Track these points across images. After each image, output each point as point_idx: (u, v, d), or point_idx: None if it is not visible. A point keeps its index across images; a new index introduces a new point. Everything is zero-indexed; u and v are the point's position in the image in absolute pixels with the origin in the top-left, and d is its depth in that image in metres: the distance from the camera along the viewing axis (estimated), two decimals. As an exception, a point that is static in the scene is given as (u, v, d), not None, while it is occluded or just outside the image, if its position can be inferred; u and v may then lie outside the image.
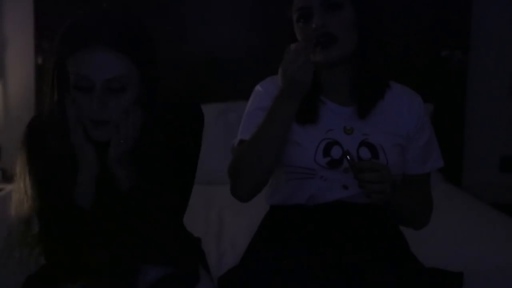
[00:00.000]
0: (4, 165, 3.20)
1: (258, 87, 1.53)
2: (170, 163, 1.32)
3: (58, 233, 1.28)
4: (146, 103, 1.27)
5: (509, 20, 3.20)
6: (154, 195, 1.29)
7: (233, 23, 3.14)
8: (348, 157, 1.35)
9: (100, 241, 1.29)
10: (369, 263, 1.38)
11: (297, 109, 1.38)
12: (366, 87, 1.45)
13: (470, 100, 3.20)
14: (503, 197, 3.01)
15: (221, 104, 2.95)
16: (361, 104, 1.45)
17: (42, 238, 1.33)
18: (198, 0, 3.13)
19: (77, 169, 1.27)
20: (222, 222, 2.27)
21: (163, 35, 1.34)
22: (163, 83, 1.30)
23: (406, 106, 1.49)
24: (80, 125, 1.24)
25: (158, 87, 1.29)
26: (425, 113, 1.52)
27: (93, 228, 1.28)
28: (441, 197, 2.49)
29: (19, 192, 1.35)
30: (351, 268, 1.37)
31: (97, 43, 1.18)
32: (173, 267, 1.43)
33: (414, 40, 3.12)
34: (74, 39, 1.20)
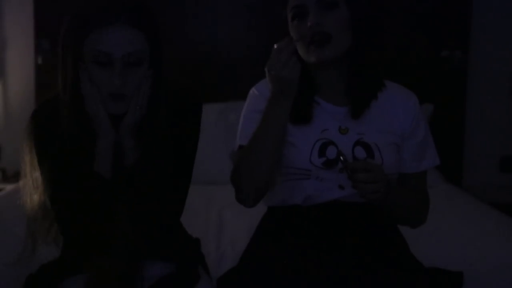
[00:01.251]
0: (4, 165, 3.20)
1: (253, 90, 1.52)
2: (171, 144, 1.36)
3: (79, 208, 1.31)
4: (154, 79, 1.33)
5: (509, 20, 3.20)
6: (157, 170, 1.33)
7: (233, 23, 3.14)
8: (341, 157, 1.35)
9: (120, 211, 1.33)
10: (368, 263, 1.38)
11: (291, 109, 1.38)
12: (359, 87, 1.45)
13: (470, 100, 3.20)
14: (503, 197, 3.01)
15: (221, 104, 2.95)
16: (354, 104, 1.45)
17: (60, 220, 1.36)
18: (197, 0, 3.13)
19: (93, 142, 1.32)
20: (222, 222, 2.27)
21: (163, 35, 1.35)
22: (167, 63, 1.38)
23: (401, 105, 1.49)
24: (96, 94, 1.30)
25: (164, 63, 1.36)
26: (421, 112, 1.52)
27: (114, 198, 1.32)
28: (441, 197, 2.49)
29: (29, 183, 1.40)
30: (349, 268, 1.38)
31: (117, 21, 1.25)
32: (174, 264, 1.44)
33: (414, 40, 3.12)
34: (94, 18, 1.26)
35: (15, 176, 3.14)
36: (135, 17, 1.27)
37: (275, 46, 1.35)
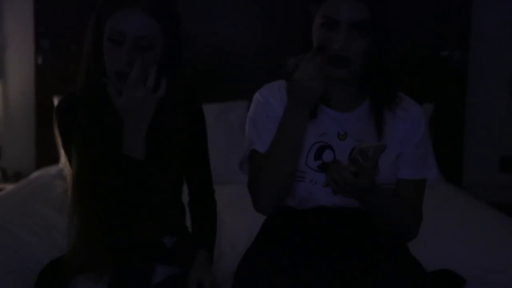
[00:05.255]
0: (4, 165, 3.20)
1: (257, 96, 1.51)
2: (188, 140, 1.45)
3: (113, 189, 1.38)
4: (168, 70, 1.39)
5: (509, 20, 3.20)
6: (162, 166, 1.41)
7: (234, 23, 3.14)
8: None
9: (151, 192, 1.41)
10: (365, 268, 1.38)
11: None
12: (380, 104, 1.45)
13: (470, 100, 3.20)
14: (503, 197, 3.01)
15: (221, 104, 2.94)
16: (377, 122, 1.45)
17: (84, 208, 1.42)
18: (197, 1, 3.14)
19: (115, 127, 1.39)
20: (221, 222, 2.26)
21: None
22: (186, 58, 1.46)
23: (405, 116, 1.47)
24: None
25: (181, 57, 1.44)
26: (424, 124, 1.50)
27: (147, 178, 1.39)
28: (441, 197, 2.50)
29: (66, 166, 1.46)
30: (347, 273, 1.38)
31: (136, 5, 1.33)
32: (179, 268, 1.46)
33: (414, 40, 3.12)
34: (117, 0, 1.35)
35: (15, 176, 3.14)
36: (153, 6, 1.34)
37: (294, 60, 1.35)
